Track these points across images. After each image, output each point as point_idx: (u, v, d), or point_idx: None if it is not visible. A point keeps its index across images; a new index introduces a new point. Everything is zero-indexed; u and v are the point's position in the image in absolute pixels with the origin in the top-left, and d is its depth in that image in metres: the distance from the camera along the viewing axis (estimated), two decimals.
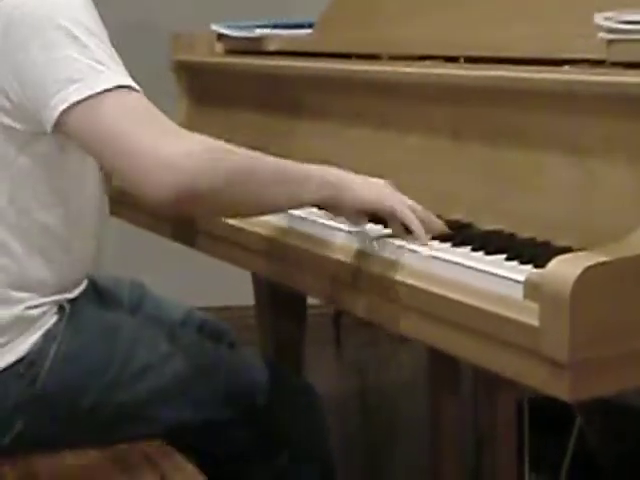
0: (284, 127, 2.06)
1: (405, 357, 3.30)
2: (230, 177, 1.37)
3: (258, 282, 2.47)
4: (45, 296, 1.57)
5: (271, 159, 1.44)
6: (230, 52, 2.32)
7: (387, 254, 1.52)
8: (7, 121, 1.50)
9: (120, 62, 1.49)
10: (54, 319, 1.58)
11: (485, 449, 2.05)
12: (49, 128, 1.45)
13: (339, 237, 1.62)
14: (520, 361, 1.27)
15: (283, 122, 2.07)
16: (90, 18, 1.49)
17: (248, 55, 2.23)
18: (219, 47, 2.34)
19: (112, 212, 2.25)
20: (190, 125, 2.36)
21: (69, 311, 1.60)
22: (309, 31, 2.22)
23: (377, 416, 3.14)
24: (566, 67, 1.51)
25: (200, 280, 3.52)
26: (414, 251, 1.47)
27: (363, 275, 1.53)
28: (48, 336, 1.56)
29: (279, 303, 2.45)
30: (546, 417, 2.11)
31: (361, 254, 1.54)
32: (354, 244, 1.57)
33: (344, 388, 3.27)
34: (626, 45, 1.40)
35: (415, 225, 1.45)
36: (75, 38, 1.44)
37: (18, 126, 1.50)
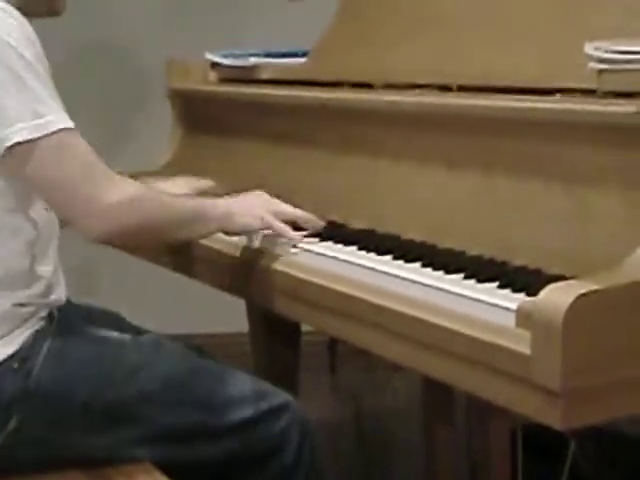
0: (277, 155, 2.07)
1: (399, 384, 3.29)
2: (146, 224, 1.63)
3: (252, 309, 2.47)
4: (29, 295, 1.62)
5: (176, 204, 1.68)
6: (224, 80, 2.34)
7: (380, 283, 1.53)
8: None
9: (57, 96, 1.59)
10: (44, 322, 1.64)
11: (479, 476, 2.04)
12: None
13: (334, 265, 1.63)
14: (512, 389, 1.27)
15: (276, 150, 2.08)
16: (32, 50, 1.55)
17: (242, 83, 2.24)
18: (213, 75, 2.35)
19: (119, 244, 2.26)
20: (185, 152, 2.38)
21: (57, 317, 1.65)
22: (303, 60, 2.23)
23: (371, 443, 3.13)
24: (557, 96, 1.52)
25: (194, 307, 3.52)
26: (412, 281, 1.48)
27: (355, 302, 1.54)
28: (39, 335, 1.61)
29: (273, 330, 2.45)
30: (540, 444, 2.11)
31: (363, 285, 1.55)
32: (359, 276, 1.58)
33: (339, 415, 3.26)
34: (616, 75, 1.41)
35: (281, 230, 1.72)
36: (19, 77, 1.53)
37: None
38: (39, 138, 1.54)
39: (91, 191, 1.57)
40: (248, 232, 1.77)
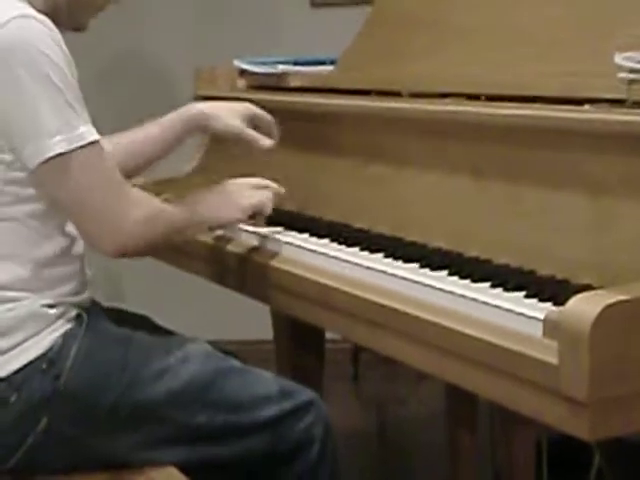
0: (305, 163, 2.08)
1: (424, 393, 3.29)
2: (156, 240, 1.70)
3: (277, 316, 2.47)
4: (57, 295, 1.64)
5: (176, 216, 1.74)
6: (252, 87, 2.34)
7: (407, 291, 1.53)
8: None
9: (85, 107, 1.61)
10: (72, 324, 1.65)
11: None
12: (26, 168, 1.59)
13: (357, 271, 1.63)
14: (539, 399, 1.27)
15: (304, 158, 2.08)
16: (64, 59, 1.57)
17: (270, 91, 2.25)
18: (241, 82, 2.36)
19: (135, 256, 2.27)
20: (211, 159, 2.39)
21: (87, 319, 1.67)
22: (330, 68, 2.23)
23: (395, 451, 3.13)
24: (587, 106, 1.51)
25: (219, 314, 3.54)
26: (439, 289, 1.48)
27: (384, 310, 1.54)
28: (68, 337, 1.63)
29: (298, 337, 2.45)
30: (565, 455, 2.10)
31: (390, 293, 1.55)
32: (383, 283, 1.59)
33: (362, 423, 3.26)
34: None
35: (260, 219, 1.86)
36: (57, 88, 1.55)
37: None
38: (73, 150, 1.56)
39: (109, 211, 1.61)
40: (234, 226, 1.90)
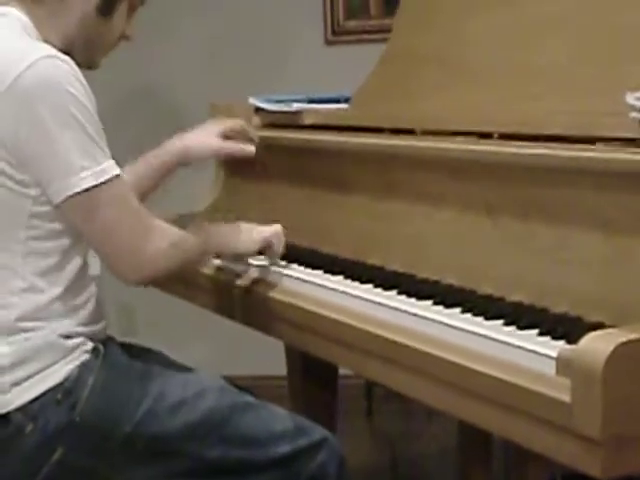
0: (319, 199, 2.09)
1: (437, 428, 3.28)
2: (174, 268, 1.76)
3: (291, 352, 2.48)
4: (74, 324, 1.67)
5: (190, 245, 1.78)
6: (267, 125, 2.36)
7: (420, 328, 1.54)
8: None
9: (106, 143, 1.65)
10: (89, 356, 1.67)
11: None
12: (52, 203, 1.63)
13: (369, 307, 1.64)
14: (552, 437, 1.27)
15: (318, 194, 2.10)
16: (86, 96, 1.62)
17: (285, 128, 2.26)
18: (256, 120, 2.38)
19: (154, 284, 2.28)
20: (227, 195, 2.41)
21: (103, 352, 1.69)
22: (345, 105, 2.25)
23: None
24: (598, 145, 1.53)
25: (232, 349, 3.54)
26: (452, 327, 1.49)
27: (397, 347, 1.55)
28: (84, 368, 1.65)
29: (311, 373, 2.46)
30: None
31: (403, 330, 1.56)
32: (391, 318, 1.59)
33: (375, 459, 3.25)
34: None
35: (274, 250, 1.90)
36: (81, 125, 1.59)
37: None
38: (98, 186, 1.61)
39: (135, 242, 1.66)
40: (242, 257, 1.95)
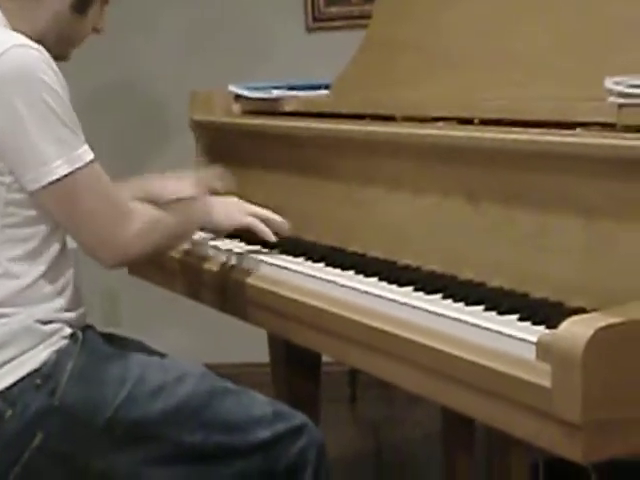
0: (299, 187, 2.09)
1: (420, 414, 3.29)
2: (154, 249, 1.77)
3: (273, 340, 2.48)
4: (50, 310, 1.66)
5: (171, 223, 1.79)
6: (247, 112, 2.36)
7: (401, 315, 1.54)
8: None
9: (80, 129, 1.65)
10: (67, 341, 1.67)
11: None
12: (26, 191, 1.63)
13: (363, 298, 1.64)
14: (532, 422, 1.27)
15: (298, 182, 2.09)
16: (59, 84, 1.62)
17: (265, 116, 2.26)
18: (236, 107, 2.38)
19: (130, 271, 2.28)
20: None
21: (82, 338, 1.69)
22: (325, 92, 2.25)
23: (391, 473, 3.12)
24: (578, 130, 1.53)
25: (215, 337, 3.54)
26: (433, 313, 1.49)
27: (378, 334, 1.55)
28: (63, 354, 1.65)
29: (294, 360, 2.46)
30: (560, 478, 2.10)
31: (384, 317, 1.56)
32: (375, 306, 1.59)
33: (359, 445, 3.26)
34: (636, 109, 1.42)
35: (260, 229, 1.89)
36: (54, 113, 1.59)
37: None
38: (73, 172, 1.61)
39: (111, 226, 1.67)
40: (223, 231, 1.95)
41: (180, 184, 2.05)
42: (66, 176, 1.60)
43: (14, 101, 1.57)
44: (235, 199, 1.93)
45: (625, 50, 1.60)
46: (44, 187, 1.60)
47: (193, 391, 1.68)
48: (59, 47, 1.75)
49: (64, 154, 1.60)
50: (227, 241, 2.05)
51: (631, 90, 1.42)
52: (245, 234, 1.96)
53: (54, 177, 1.60)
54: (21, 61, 1.58)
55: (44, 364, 1.63)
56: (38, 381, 1.62)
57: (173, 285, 2.21)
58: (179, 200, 1.92)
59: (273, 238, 1.89)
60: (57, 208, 1.64)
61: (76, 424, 1.62)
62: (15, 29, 1.68)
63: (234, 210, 1.89)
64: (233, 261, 1.98)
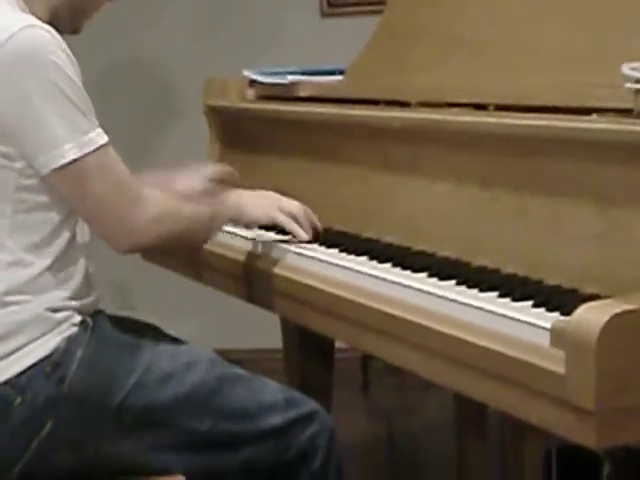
0: (314, 172, 2.08)
1: (433, 402, 3.29)
2: (171, 237, 1.73)
3: (286, 325, 2.48)
4: (61, 298, 1.65)
5: (194, 213, 1.77)
6: (262, 98, 2.35)
7: (415, 301, 1.54)
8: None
9: (93, 111, 1.63)
10: (77, 329, 1.66)
11: None
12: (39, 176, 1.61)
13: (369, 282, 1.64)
14: (546, 408, 1.27)
15: (313, 167, 2.09)
16: (72, 67, 1.60)
17: (279, 101, 2.25)
18: (251, 93, 2.37)
19: (144, 257, 2.28)
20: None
21: (92, 325, 1.68)
22: (340, 78, 2.24)
23: (404, 460, 3.12)
24: (594, 116, 1.52)
25: (228, 322, 3.54)
26: (447, 299, 1.49)
27: (392, 320, 1.55)
28: (72, 341, 1.64)
29: (307, 346, 2.46)
30: (574, 464, 2.10)
31: (398, 303, 1.56)
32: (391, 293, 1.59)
33: (372, 432, 3.26)
34: None
35: (294, 229, 1.86)
36: (66, 96, 1.58)
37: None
38: (85, 156, 1.59)
39: (125, 211, 1.65)
40: (255, 225, 1.91)
41: (190, 180, 2.02)
42: (76, 160, 1.59)
43: (24, 83, 1.56)
44: (270, 193, 1.89)
45: None
46: (54, 170, 1.59)
47: (203, 378, 1.68)
48: (73, 20, 1.73)
49: (75, 137, 1.58)
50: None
51: None
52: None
53: (65, 161, 1.58)
54: (31, 43, 1.57)
55: (53, 352, 1.62)
56: (47, 369, 1.61)
57: (185, 271, 2.21)
58: (214, 193, 1.90)
59: (305, 237, 1.86)
60: (69, 192, 1.63)
61: (85, 411, 1.62)
62: (32, 12, 1.66)
63: (268, 205, 1.86)
64: (247, 247, 1.98)
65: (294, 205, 1.87)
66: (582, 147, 1.47)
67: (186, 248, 2.05)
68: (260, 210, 1.85)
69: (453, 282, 1.55)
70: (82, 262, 1.72)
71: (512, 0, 1.89)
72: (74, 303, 1.68)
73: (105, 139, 1.62)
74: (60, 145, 1.58)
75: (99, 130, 1.62)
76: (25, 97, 1.56)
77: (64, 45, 1.61)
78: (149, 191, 1.70)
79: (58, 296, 1.66)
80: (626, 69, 1.44)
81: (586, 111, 1.53)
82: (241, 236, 2.00)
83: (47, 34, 1.59)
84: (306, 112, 2.13)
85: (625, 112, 1.46)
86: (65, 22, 1.70)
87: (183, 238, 1.78)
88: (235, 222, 1.90)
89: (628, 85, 1.44)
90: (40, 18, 1.64)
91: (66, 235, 1.67)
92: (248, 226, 1.94)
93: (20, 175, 1.61)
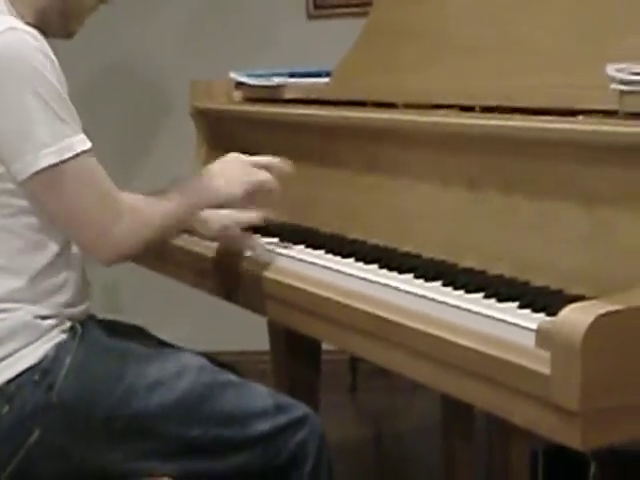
0: (300, 174, 2.08)
1: (421, 404, 3.29)
2: (152, 242, 1.70)
3: (273, 327, 2.48)
4: (51, 306, 1.64)
5: (172, 210, 1.71)
6: (248, 100, 2.35)
7: (401, 302, 1.54)
8: None
9: (76, 115, 1.60)
10: (66, 335, 1.65)
11: None
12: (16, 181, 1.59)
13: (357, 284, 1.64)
14: (531, 409, 1.27)
15: (299, 169, 2.09)
16: (53, 71, 1.57)
17: (266, 103, 2.25)
18: (237, 95, 2.37)
19: (132, 260, 2.28)
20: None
21: (81, 331, 1.67)
22: (326, 79, 2.24)
23: (392, 462, 3.12)
24: (580, 117, 1.52)
25: (216, 325, 3.54)
26: (433, 300, 1.49)
27: (379, 321, 1.54)
28: (61, 348, 1.63)
29: (294, 349, 2.46)
30: (561, 466, 2.10)
31: (384, 304, 1.56)
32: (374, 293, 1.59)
33: (359, 433, 3.26)
34: (638, 96, 1.41)
35: (272, 187, 1.81)
36: (44, 101, 1.55)
37: None
38: (63, 162, 1.56)
39: (104, 223, 1.61)
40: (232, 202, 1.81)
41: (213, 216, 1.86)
42: (52, 166, 1.56)
43: (6, 86, 1.54)
44: (233, 160, 1.81)
45: (627, 37, 1.59)
46: (30, 177, 1.56)
47: (192, 385, 1.67)
48: (63, 23, 1.71)
49: (52, 143, 1.55)
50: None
51: (633, 77, 1.41)
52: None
53: (40, 167, 1.55)
54: (11, 46, 1.54)
55: (42, 359, 1.61)
56: (36, 377, 1.60)
57: (174, 273, 2.21)
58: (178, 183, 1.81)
59: (279, 187, 1.80)
60: (45, 199, 1.59)
61: (74, 419, 1.61)
62: (15, 6, 1.64)
63: (237, 176, 1.78)
64: (233, 249, 1.97)
65: (258, 159, 1.82)
66: (568, 148, 1.47)
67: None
68: (233, 185, 1.77)
69: (439, 283, 1.54)
70: (76, 270, 1.70)
71: (499, 1, 1.90)
72: (65, 311, 1.67)
73: (85, 146, 1.59)
74: (38, 150, 1.55)
75: (80, 137, 1.59)
76: (3, 102, 1.54)
77: (46, 48, 1.58)
78: (127, 198, 1.66)
79: (49, 304, 1.64)
80: (611, 70, 1.44)
81: (572, 112, 1.53)
82: (228, 238, 2.00)
83: (29, 37, 1.56)
84: (292, 114, 2.12)
85: (611, 113, 1.47)
86: (55, 26, 1.69)
87: (164, 239, 1.78)
88: (210, 207, 1.81)
89: (613, 86, 1.44)
90: (28, 22, 1.62)
91: (57, 240, 1.65)
92: (229, 205, 1.82)
93: (1, 179, 1.59)
